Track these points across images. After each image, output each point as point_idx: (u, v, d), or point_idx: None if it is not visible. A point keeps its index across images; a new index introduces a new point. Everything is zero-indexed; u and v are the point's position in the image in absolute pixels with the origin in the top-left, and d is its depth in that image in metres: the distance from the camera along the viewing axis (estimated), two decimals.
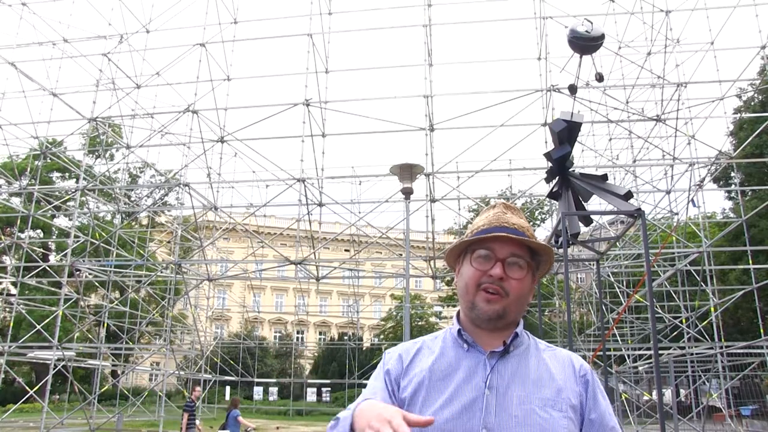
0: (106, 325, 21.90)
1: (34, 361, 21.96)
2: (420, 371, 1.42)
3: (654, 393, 22.30)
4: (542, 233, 30.68)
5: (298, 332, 45.77)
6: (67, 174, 29.12)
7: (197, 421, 12.46)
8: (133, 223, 24.79)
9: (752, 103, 22.21)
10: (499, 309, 1.40)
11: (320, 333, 48.99)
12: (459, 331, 1.45)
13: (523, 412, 1.31)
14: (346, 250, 36.67)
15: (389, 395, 1.42)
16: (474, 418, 1.31)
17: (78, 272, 17.28)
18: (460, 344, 1.44)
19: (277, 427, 23.53)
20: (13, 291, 23.75)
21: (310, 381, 34.56)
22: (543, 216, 30.08)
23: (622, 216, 15.60)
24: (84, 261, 17.95)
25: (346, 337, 37.42)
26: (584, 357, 14.84)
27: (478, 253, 1.45)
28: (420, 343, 1.52)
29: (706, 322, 16.71)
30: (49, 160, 22.84)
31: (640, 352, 20.41)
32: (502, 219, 1.47)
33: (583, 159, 18.04)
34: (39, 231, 27.65)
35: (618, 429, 1.42)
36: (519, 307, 1.43)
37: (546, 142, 12.90)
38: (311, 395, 33.23)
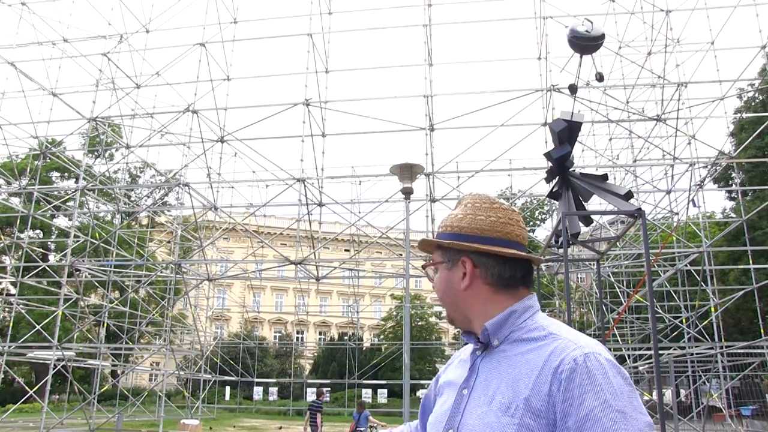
0: (105, 325, 21.90)
1: (34, 361, 21.95)
2: (445, 376, 1.46)
3: (654, 393, 22.29)
4: (542, 233, 30.72)
5: (298, 332, 45.76)
6: (66, 174, 29.12)
7: (318, 418, 14.23)
8: (133, 223, 24.79)
9: (753, 103, 22.20)
10: (446, 315, 1.41)
11: (320, 333, 48.98)
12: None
13: (479, 415, 1.22)
14: (346, 250, 36.67)
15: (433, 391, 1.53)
16: (446, 418, 1.29)
17: (78, 272, 17.27)
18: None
19: (280, 427, 23.50)
20: (13, 291, 23.74)
21: (310, 381, 34.54)
22: (543, 216, 30.12)
23: (623, 216, 15.60)
24: (84, 261, 17.94)
25: (346, 337, 37.40)
26: None
27: None
28: (462, 348, 1.51)
29: (706, 322, 16.70)
30: (48, 160, 22.84)
31: (641, 352, 20.40)
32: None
33: (584, 159, 18.06)
34: (39, 231, 27.64)
35: None
36: (451, 305, 1.39)
37: (546, 142, 12.91)
38: (311, 395, 33.17)
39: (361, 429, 13.33)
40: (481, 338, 1.31)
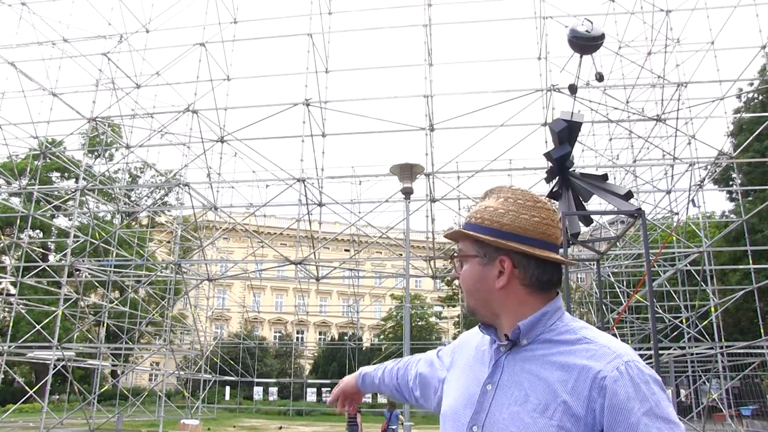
0: (105, 325, 21.90)
1: (34, 361, 21.95)
2: (455, 361, 1.47)
3: None
4: None
5: (298, 332, 45.76)
6: (66, 174, 29.12)
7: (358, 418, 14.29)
8: (133, 223, 24.79)
9: (752, 104, 22.19)
10: (468, 306, 1.38)
11: (320, 333, 48.98)
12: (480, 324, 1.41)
13: (510, 414, 1.22)
14: (346, 250, 36.66)
15: (431, 370, 1.58)
16: (468, 413, 1.28)
17: (78, 272, 17.27)
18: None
19: (280, 427, 23.48)
20: (13, 291, 23.75)
21: (310, 381, 34.55)
22: None
23: (623, 216, 15.60)
24: (84, 261, 17.94)
25: (346, 337, 37.41)
26: None
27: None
28: (471, 333, 1.50)
29: (706, 322, 16.70)
30: (48, 160, 22.83)
31: (641, 352, 20.33)
32: (469, 213, 1.42)
33: (584, 159, 18.06)
34: (38, 231, 27.64)
35: None
36: (477, 301, 1.35)
37: (546, 142, 12.90)
38: (311, 395, 33.20)
39: (393, 427, 13.57)
40: (510, 336, 1.29)
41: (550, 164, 7.74)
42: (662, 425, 1.11)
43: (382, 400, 29.56)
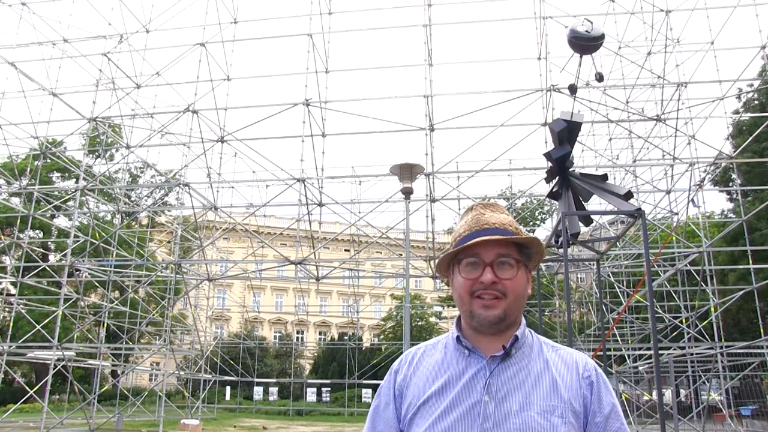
0: (105, 325, 21.88)
1: (34, 361, 21.93)
2: (421, 379, 1.42)
3: (654, 393, 22.29)
4: (542, 233, 30.70)
5: (298, 332, 45.74)
6: (67, 174, 29.11)
7: None
8: (133, 223, 24.78)
9: (753, 104, 22.17)
10: (500, 312, 1.37)
11: (320, 333, 48.96)
12: (458, 337, 1.43)
13: (521, 419, 1.28)
14: (346, 250, 36.67)
15: (393, 402, 1.47)
16: (473, 425, 1.30)
17: (78, 272, 17.27)
18: (461, 350, 1.42)
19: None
20: (13, 291, 23.73)
21: (310, 381, 34.53)
22: (543, 216, 30.13)
23: (622, 216, 15.61)
24: (84, 261, 17.94)
25: (346, 337, 37.39)
26: None
27: (465, 261, 1.42)
28: (422, 349, 1.50)
29: (706, 322, 16.70)
30: (48, 160, 22.82)
31: (640, 352, 20.39)
32: (481, 221, 1.44)
33: (583, 159, 18.05)
34: (39, 231, 27.63)
35: (625, 429, 1.38)
36: (518, 306, 1.39)
37: (546, 142, 12.90)
38: (311, 395, 33.18)
39: None
40: (509, 346, 1.38)
41: (550, 164, 7.75)
42: (619, 409, 1.39)
43: None
